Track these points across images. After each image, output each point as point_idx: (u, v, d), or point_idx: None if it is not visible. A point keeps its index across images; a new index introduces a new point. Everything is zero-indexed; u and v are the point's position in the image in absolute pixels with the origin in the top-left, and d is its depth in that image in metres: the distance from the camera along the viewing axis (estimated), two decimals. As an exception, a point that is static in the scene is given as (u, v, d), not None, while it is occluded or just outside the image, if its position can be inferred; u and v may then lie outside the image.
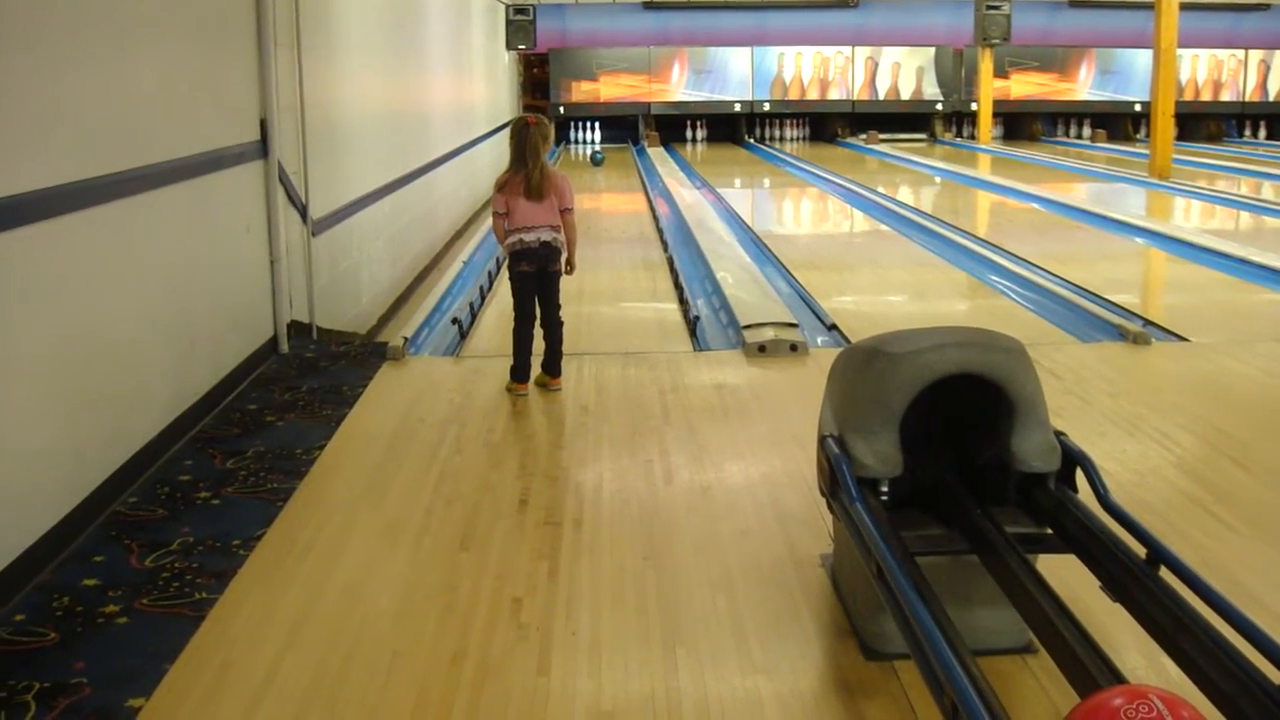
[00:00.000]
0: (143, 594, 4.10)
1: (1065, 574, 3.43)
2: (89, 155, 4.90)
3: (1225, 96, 29.38)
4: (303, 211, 7.89)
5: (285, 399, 6.46)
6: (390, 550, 4.53)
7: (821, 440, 3.82)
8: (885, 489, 3.60)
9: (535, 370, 6.66)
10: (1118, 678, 2.66)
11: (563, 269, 6.59)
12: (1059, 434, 3.65)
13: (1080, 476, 3.61)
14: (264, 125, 7.17)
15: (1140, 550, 3.18)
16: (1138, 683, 2.58)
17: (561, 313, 6.63)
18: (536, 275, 6.50)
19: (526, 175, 6.37)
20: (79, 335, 4.77)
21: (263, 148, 7.17)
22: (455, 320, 8.67)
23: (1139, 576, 3.09)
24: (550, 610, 3.97)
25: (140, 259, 5.43)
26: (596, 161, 23.69)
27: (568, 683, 3.52)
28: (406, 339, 7.67)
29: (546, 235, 6.43)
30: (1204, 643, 2.76)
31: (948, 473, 3.78)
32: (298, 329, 7.66)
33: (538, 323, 6.57)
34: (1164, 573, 3.09)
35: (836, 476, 3.58)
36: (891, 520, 3.41)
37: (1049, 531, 3.56)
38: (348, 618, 3.95)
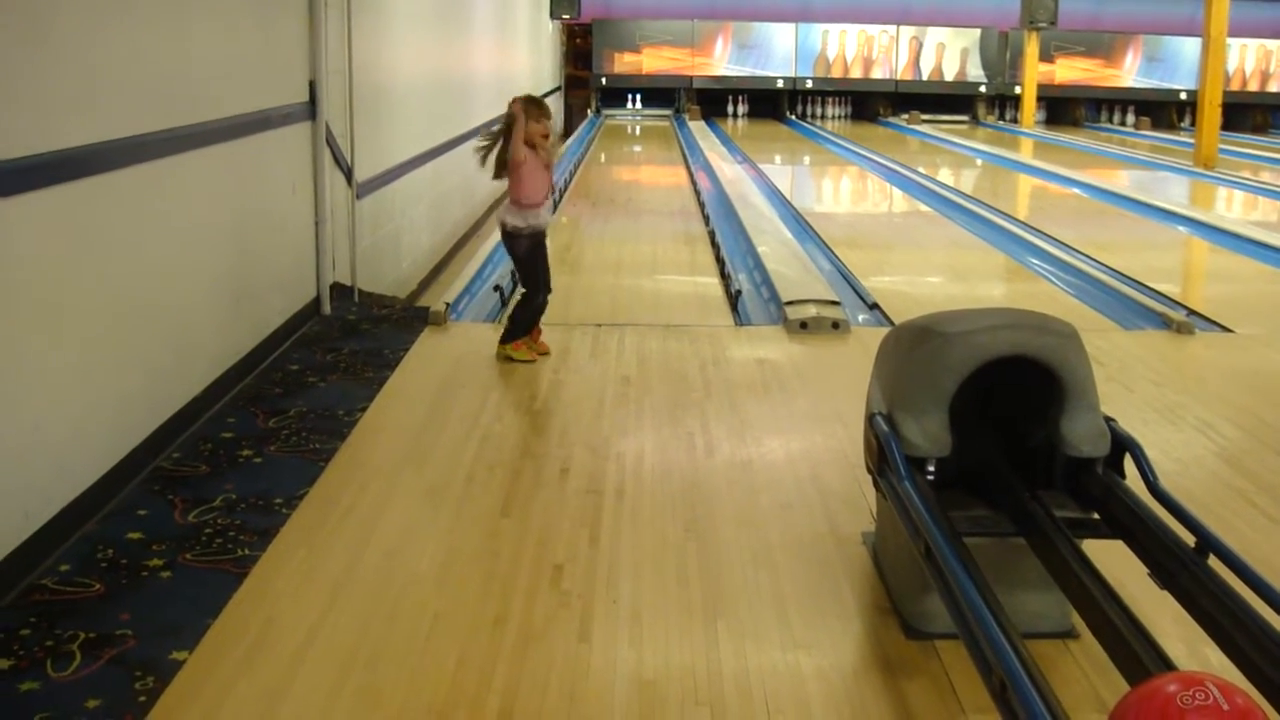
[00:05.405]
0: (186, 549, 4.12)
1: (1110, 560, 3.42)
2: (139, 112, 4.90)
3: (1273, 87, 29.09)
4: (348, 174, 7.90)
5: (327, 360, 6.48)
6: (432, 514, 4.54)
7: (870, 418, 3.81)
8: (932, 468, 3.59)
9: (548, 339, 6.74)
10: (1167, 664, 2.65)
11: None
12: (1109, 419, 3.62)
13: (1129, 463, 3.59)
14: (313, 87, 7.18)
15: (1188, 538, 3.16)
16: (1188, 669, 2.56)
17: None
18: (538, 241, 6.60)
19: (547, 165, 6.60)
20: (126, 290, 4.78)
21: (311, 109, 7.18)
22: (497, 287, 8.67)
23: (1187, 564, 3.07)
24: (591, 578, 3.98)
25: (187, 216, 5.45)
26: None
27: (609, 651, 3.53)
28: (448, 304, 7.66)
29: (545, 218, 6.59)
30: (1253, 632, 2.74)
31: (995, 455, 3.76)
32: (339, 291, 7.68)
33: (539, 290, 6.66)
34: (1212, 561, 3.07)
35: (885, 454, 3.57)
36: (939, 500, 3.39)
37: (1096, 517, 3.54)
38: (389, 579, 3.97)
